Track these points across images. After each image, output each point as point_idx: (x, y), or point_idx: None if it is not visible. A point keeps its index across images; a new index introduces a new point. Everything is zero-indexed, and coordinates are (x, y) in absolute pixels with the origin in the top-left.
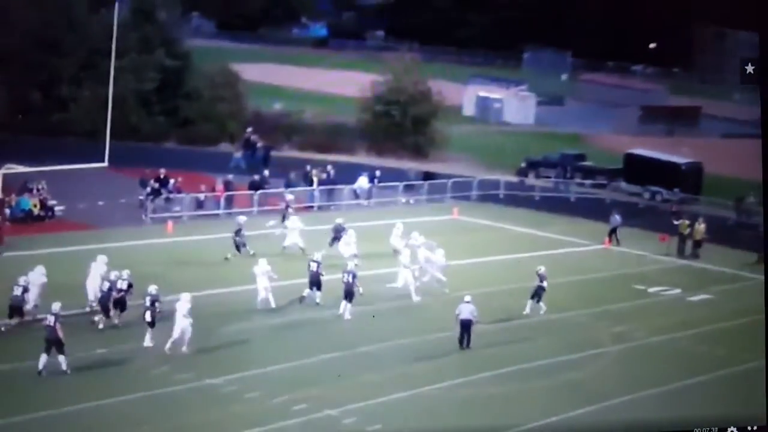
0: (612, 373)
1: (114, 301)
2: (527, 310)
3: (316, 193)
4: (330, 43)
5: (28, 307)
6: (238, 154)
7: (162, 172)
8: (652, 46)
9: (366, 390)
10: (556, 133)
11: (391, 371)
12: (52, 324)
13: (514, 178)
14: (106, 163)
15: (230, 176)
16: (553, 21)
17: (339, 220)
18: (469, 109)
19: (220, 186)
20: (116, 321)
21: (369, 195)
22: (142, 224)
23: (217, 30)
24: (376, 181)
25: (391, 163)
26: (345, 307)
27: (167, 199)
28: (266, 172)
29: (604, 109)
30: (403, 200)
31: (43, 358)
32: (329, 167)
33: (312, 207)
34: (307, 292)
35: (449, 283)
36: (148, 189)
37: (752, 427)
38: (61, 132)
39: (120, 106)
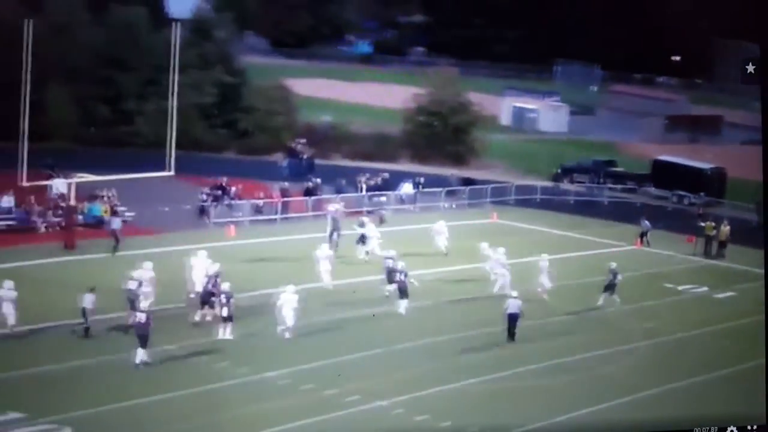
0: (641, 366)
1: (209, 295)
2: (600, 302)
3: (365, 199)
4: (374, 59)
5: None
6: (284, 163)
7: (223, 180)
8: (675, 58)
9: (414, 382)
10: (587, 141)
11: (439, 364)
12: (143, 321)
13: (550, 184)
14: (172, 172)
15: (286, 183)
16: (583, 36)
17: (364, 218)
18: (505, 119)
19: (276, 193)
20: (209, 317)
21: (413, 200)
22: (206, 228)
23: (270, 47)
24: (419, 187)
25: (433, 170)
26: (401, 304)
27: (229, 206)
28: (318, 180)
29: (632, 119)
30: (446, 205)
31: (140, 353)
32: (385, 175)
33: (361, 212)
34: (388, 288)
35: (486, 284)
36: (203, 196)
37: (752, 427)
38: (128, 143)
39: (183, 119)
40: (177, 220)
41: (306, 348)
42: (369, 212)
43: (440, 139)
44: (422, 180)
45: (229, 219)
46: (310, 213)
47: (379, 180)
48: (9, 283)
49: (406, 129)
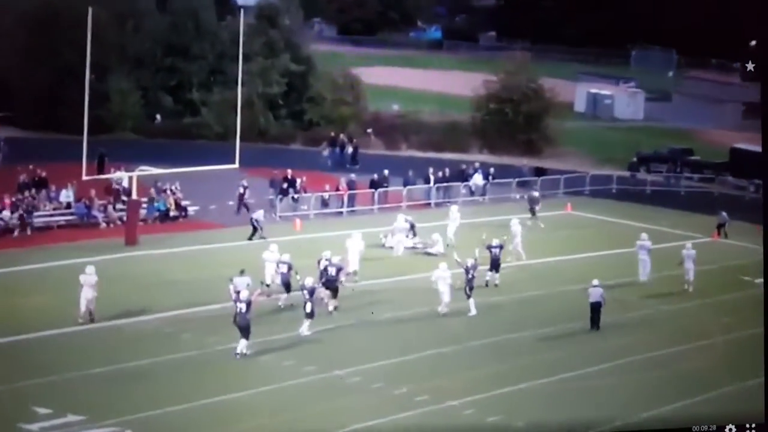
0: (721, 363)
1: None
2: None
3: (433, 191)
4: (444, 45)
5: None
6: (326, 152)
7: (289, 172)
8: (752, 43)
9: (487, 381)
10: (664, 129)
11: (512, 362)
12: (244, 311)
13: (626, 173)
14: (236, 165)
15: (353, 176)
16: (659, 19)
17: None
18: (579, 106)
19: (343, 185)
20: (280, 303)
21: (483, 191)
22: (272, 222)
23: (337, 35)
24: (490, 177)
25: (504, 159)
26: (470, 303)
27: (294, 199)
28: (386, 171)
29: (709, 105)
30: (517, 196)
31: (243, 343)
32: (476, 164)
33: (429, 204)
34: (489, 275)
35: (570, 277)
36: (241, 189)
37: (750, 425)
38: (193, 135)
39: (248, 110)
40: (243, 214)
41: (374, 345)
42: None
43: (512, 127)
44: (493, 170)
45: (295, 212)
46: (377, 206)
47: (447, 171)
48: (91, 269)
49: (477, 117)
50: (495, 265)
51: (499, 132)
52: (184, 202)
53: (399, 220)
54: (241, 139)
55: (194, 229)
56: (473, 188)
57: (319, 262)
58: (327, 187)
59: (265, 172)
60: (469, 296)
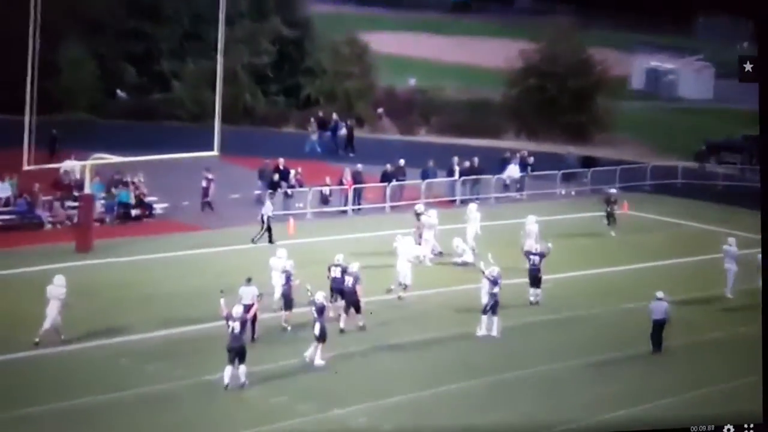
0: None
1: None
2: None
3: (458, 185)
4: (472, 7)
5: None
6: (314, 137)
7: (280, 161)
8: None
9: (527, 425)
10: (736, 111)
11: (557, 399)
12: (238, 331)
13: (693, 164)
14: (216, 152)
15: (359, 166)
16: None
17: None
18: (637, 82)
19: (347, 178)
20: (284, 324)
21: (521, 186)
22: (258, 223)
23: None
24: (528, 169)
25: (546, 147)
26: (493, 323)
27: (287, 194)
28: (401, 161)
29: None
30: (562, 192)
31: (229, 370)
32: (509, 154)
33: (453, 201)
34: (531, 291)
35: (627, 292)
36: (204, 182)
37: (749, 425)
38: (162, 115)
39: (231, 84)
40: (223, 212)
41: (384, 377)
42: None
43: (555, 108)
44: (532, 160)
45: (288, 211)
46: (389, 204)
47: (476, 161)
48: (59, 279)
49: (512, 95)
50: (534, 278)
51: (540, 113)
52: (149, 199)
53: (432, 216)
54: (222, 121)
55: (163, 231)
56: (508, 182)
57: (329, 270)
58: (328, 180)
59: (251, 161)
60: (492, 313)
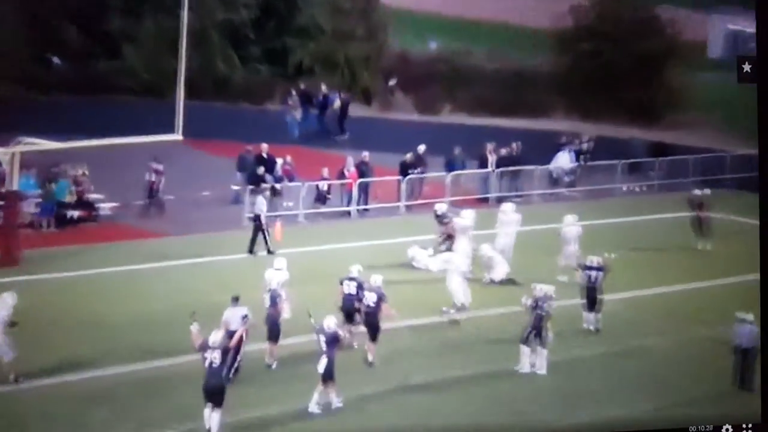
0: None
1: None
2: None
3: (493, 179)
4: None
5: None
6: (296, 113)
7: (264, 148)
8: None
9: None
10: None
11: None
12: (217, 364)
13: None
14: (179, 135)
15: (366, 155)
16: None
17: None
18: (715, 49)
19: (351, 169)
20: (267, 361)
21: (572, 179)
22: (238, 228)
23: None
24: (582, 158)
25: (605, 130)
26: (540, 357)
27: (274, 191)
28: (421, 147)
29: None
30: (624, 187)
31: (207, 413)
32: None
33: (486, 200)
34: (587, 316)
35: (706, 314)
36: (151, 175)
37: (747, 425)
38: (110, 87)
39: (199, 48)
40: (189, 214)
41: (401, 423)
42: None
43: (615, 80)
44: (587, 147)
45: (275, 213)
46: (404, 202)
47: (515, 148)
48: (9, 297)
49: (561, 62)
50: (592, 299)
51: (596, 86)
52: (92, 196)
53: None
54: (188, 96)
55: (111, 238)
56: (556, 174)
57: (342, 284)
58: (325, 172)
59: (225, 147)
60: (539, 343)
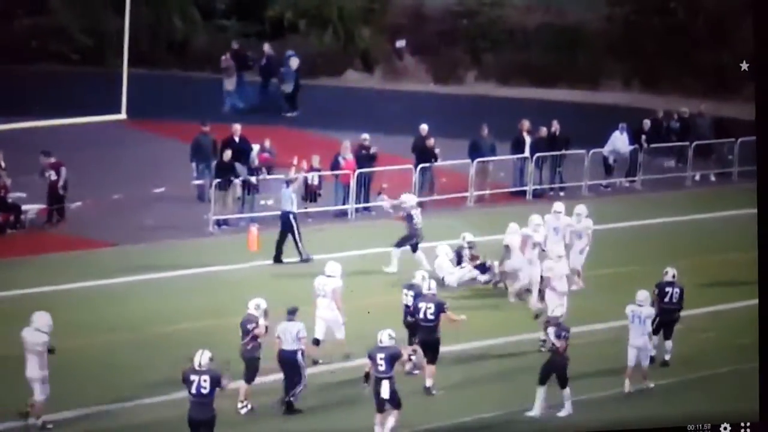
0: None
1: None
2: None
3: (530, 166)
4: None
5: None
6: (230, 85)
7: (236, 130)
8: None
9: None
10: None
11: None
12: (206, 392)
13: None
14: (123, 114)
15: (366, 136)
16: None
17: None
18: None
19: (347, 156)
20: (240, 405)
21: (632, 167)
22: (202, 236)
23: None
24: (644, 139)
25: (672, 103)
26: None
27: (247, 185)
28: (423, 127)
29: None
30: (696, 176)
31: None
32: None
33: (523, 193)
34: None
35: None
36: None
37: (745, 424)
38: (35, 53)
39: (149, 1)
40: (138, 217)
41: None
42: None
43: (685, 42)
44: (648, 126)
45: (250, 214)
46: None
47: (557, 127)
48: (43, 317)
49: (617, 17)
50: (668, 324)
51: (662, 50)
52: (13, 195)
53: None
54: (133, 64)
55: (45, 249)
56: (612, 161)
57: (406, 295)
58: (316, 160)
59: (184, 128)
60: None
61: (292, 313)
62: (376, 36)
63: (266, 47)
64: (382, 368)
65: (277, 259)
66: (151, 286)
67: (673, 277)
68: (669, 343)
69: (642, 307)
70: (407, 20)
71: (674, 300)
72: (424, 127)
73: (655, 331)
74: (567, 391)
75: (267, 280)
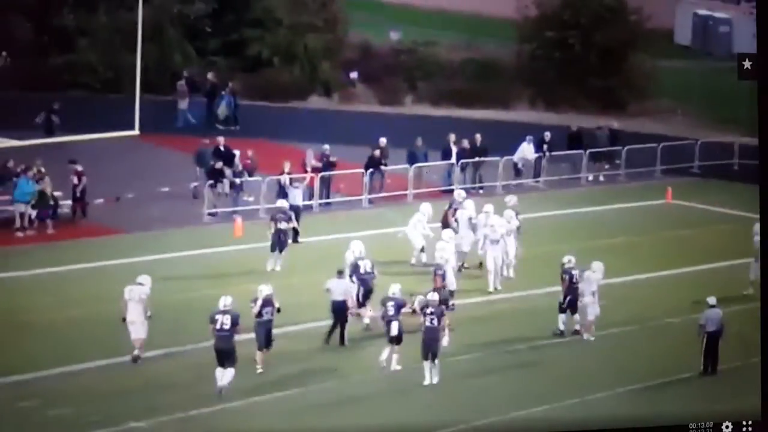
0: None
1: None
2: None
3: (456, 170)
4: None
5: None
6: (183, 105)
7: (220, 141)
8: None
9: None
10: None
11: None
12: (228, 328)
13: (754, 141)
14: (136, 131)
15: (327, 147)
16: None
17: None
18: (682, 35)
19: (313, 162)
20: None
21: (537, 170)
22: (198, 224)
23: None
24: (546, 148)
25: (569, 119)
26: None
27: (233, 185)
28: (382, 140)
29: None
30: (589, 177)
31: (219, 373)
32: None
33: (450, 191)
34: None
35: (665, 303)
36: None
37: (747, 422)
38: (64, 83)
39: (156, 41)
40: (149, 210)
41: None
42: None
43: (579, 69)
44: (550, 136)
45: (235, 207)
46: (366, 195)
47: (478, 139)
48: (145, 278)
49: (525, 52)
50: (574, 301)
51: (561, 76)
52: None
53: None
54: (144, 90)
55: (71, 236)
56: (520, 165)
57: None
58: (287, 166)
59: (185, 141)
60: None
61: (340, 273)
62: (334, 69)
63: (210, 75)
64: (391, 313)
65: (294, 239)
66: (157, 264)
67: (570, 261)
68: (577, 317)
69: (594, 273)
70: (358, 56)
71: (575, 281)
72: (383, 140)
73: (565, 309)
74: (436, 363)
75: (248, 260)
